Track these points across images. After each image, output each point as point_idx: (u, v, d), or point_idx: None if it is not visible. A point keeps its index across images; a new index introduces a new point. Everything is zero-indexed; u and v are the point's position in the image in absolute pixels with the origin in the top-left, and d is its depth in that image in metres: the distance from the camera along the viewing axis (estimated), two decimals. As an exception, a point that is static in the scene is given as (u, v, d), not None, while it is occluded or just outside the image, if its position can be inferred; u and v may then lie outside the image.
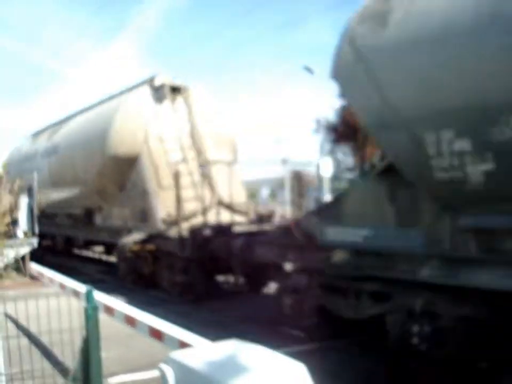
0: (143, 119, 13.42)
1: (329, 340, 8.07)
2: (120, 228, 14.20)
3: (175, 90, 13.94)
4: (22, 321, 5.79)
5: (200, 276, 11.62)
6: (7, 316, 5.41)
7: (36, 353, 6.55)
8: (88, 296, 4.13)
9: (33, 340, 6.93)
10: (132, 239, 13.03)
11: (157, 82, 13.82)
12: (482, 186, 5.34)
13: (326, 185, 22.97)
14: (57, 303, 5.09)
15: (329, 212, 7.82)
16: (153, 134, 13.38)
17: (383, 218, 6.83)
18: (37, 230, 14.34)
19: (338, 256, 7.67)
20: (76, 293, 7.13)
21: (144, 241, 12.83)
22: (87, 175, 14.91)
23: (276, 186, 44.48)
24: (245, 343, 3.39)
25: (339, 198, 8.05)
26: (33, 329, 6.09)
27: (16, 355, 5.18)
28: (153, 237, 12.75)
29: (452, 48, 5.29)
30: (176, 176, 11.90)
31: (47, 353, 6.96)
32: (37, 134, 21.43)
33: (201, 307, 11.40)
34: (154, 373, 5.81)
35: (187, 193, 12.48)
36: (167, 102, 13.77)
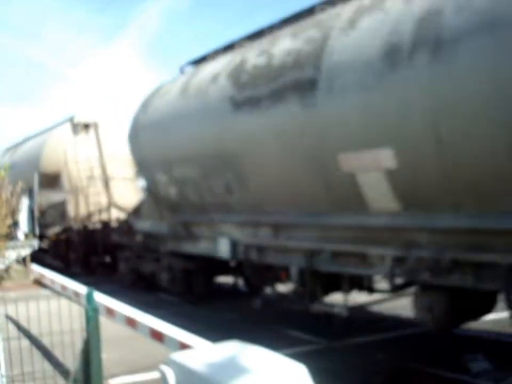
0: (63, 147, 18.44)
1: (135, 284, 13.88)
2: (49, 223, 18.55)
3: (88, 126, 18.96)
4: (23, 323, 5.79)
5: (84, 255, 17.30)
6: (8, 317, 5.42)
7: (37, 354, 6.56)
8: (89, 298, 4.14)
9: (34, 342, 6.93)
10: (52, 231, 18.28)
11: (75, 120, 18.84)
12: (176, 199, 10.99)
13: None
14: (58, 304, 5.10)
15: (137, 211, 13.70)
16: (70, 158, 18.32)
17: (155, 216, 12.34)
18: (37, 231, 14.64)
19: (139, 238, 13.43)
20: (77, 295, 7.14)
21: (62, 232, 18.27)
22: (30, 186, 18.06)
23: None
24: (245, 344, 3.39)
25: (141, 203, 13.67)
26: (34, 331, 6.10)
27: (17, 357, 5.19)
28: (66, 230, 18.14)
29: (173, 128, 10.22)
30: (85, 188, 17.68)
31: (48, 355, 6.97)
32: (8, 150, 25.36)
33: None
34: (155, 375, 5.82)
35: (92, 199, 17.91)
36: (82, 134, 18.87)
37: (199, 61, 11.16)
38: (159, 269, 12.53)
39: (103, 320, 5.84)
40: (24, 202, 14.91)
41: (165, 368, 3.27)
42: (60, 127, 19.11)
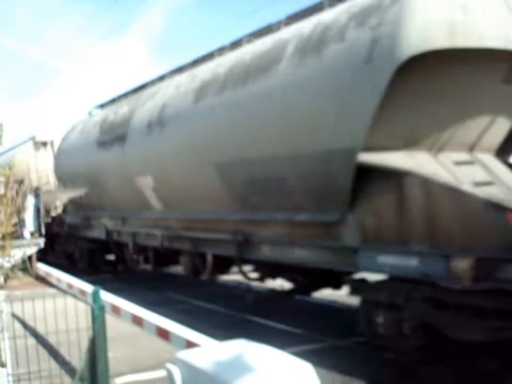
0: (26, 160, 22.00)
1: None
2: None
3: (45, 143, 22.85)
4: (29, 321, 5.79)
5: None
6: (14, 316, 5.42)
7: (43, 353, 6.55)
8: (95, 296, 4.12)
9: (40, 340, 6.93)
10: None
11: (36, 139, 22.72)
12: (80, 202, 16.41)
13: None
14: (64, 303, 5.09)
15: (65, 209, 18.25)
16: (32, 168, 22.03)
17: (73, 213, 16.76)
18: (43, 230, 14.72)
19: (66, 228, 17.58)
20: (83, 293, 7.14)
21: None
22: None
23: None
24: (252, 343, 3.37)
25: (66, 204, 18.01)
26: (40, 329, 6.10)
27: (24, 355, 5.18)
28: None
29: (75, 155, 15.58)
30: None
31: (54, 354, 6.97)
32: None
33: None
34: (161, 373, 5.80)
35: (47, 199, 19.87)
36: (41, 150, 22.77)
37: (102, 106, 16.51)
38: (75, 249, 17.50)
39: (109, 318, 5.84)
40: (30, 201, 14.99)
41: (171, 366, 3.25)
42: (23, 145, 24.00)
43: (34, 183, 21.78)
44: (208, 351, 3.45)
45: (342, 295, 9.30)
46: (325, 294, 10.29)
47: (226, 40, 10.25)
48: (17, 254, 12.73)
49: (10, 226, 3.68)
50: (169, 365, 3.28)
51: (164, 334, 4.96)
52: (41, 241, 14.15)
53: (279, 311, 10.44)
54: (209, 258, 10.03)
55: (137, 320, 5.52)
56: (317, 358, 4.33)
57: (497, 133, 7.09)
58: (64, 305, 5.10)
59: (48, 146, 23.72)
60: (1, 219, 3.59)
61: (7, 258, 3.71)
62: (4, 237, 3.60)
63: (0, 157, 25.28)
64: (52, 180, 22.38)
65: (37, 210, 15.17)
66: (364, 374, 6.78)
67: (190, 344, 4.38)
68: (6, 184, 3.66)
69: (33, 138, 23.77)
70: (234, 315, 10.35)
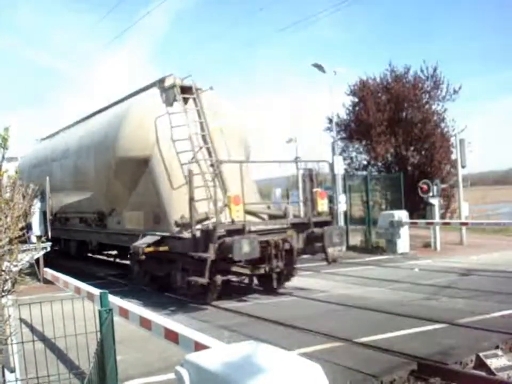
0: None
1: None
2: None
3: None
4: (37, 326, 5.78)
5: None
6: (22, 320, 5.39)
7: (52, 357, 6.53)
8: (102, 299, 4.10)
9: (49, 345, 6.91)
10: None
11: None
12: None
13: (340, 184, 22.88)
14: (71, 307, 5.06)
15: None
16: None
17: None
18: (49, 234, 14.46)
19: None
20: (91, 297, 7.11)
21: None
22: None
23: (290, 186, 44.37)
24: (260, 344, 3.34)
25: None
26: (48, 333, 6.08)
27: (32, 360, 5.16)
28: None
29: None
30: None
31: (62, 358, 6.95)
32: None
33: (218, 308, 11.42)
34: (170, 376, 5.77)
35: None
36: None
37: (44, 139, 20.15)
38: None
39: (118, 321, 5.81)
40: (37, 205, 14.90)
41: (180, 369, 3.22)
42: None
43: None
44: (217, 353, 3.42)
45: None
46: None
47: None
48: (24, 258, 12.71)
49: (18, 231, 3.66)
50: (178, 368, 3.25)
51: (172, 336, 4.93)
52: (48, 245, 14.10)
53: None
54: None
55: (146, 323, 5.49)
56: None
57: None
58: (72, 309, 5.08)
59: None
60: (8, 223, 3.55)
61: (14, 263, 3.68)
62: (11, 241, 3.57)
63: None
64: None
65: (44, 214, 15.17)
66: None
67: (198, 346, 4.35)
68: (13, 188, 3.62)
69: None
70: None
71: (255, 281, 13.72)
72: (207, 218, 12.23)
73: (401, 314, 9.93)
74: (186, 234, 12.01)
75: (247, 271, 12.60)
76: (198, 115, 13.99)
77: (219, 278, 11.67)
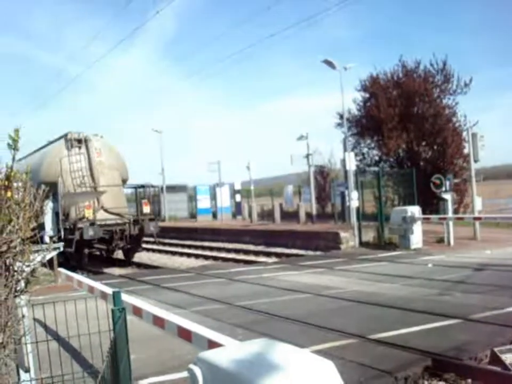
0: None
1: None
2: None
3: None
4: (52, 325, 5.81)
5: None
6: (36, 320, 5.42)
7: (66, 357, 6.57)
8: (115, 298, 4.11)
9: (63, 344, 6.95)
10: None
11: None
12: None
13: (351, 180, 22.84)
14: (85, 306, 5.09)
15: None
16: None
17: None
18: (62, 234, 14.83)
19: None
20: (104, 296, 7.13)
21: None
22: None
23: (302, 183, 44.33)
24: (274, 342, 3.33)
25: None
26: (62, 333, 6.11)
27: (46, 360, 5.19)
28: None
29: None
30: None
31: (76, 357, 6.98)
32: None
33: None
34: (184, 374, 5.78)
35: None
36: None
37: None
38: None
39: (131, 320, 5.82)
40: (49, 205, 15.08)
41: (193, 367, 3.22)
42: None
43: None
44: (230, 350, 3.41)
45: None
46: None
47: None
48: (37, 258, 12.80)
49: (29, 231, 3.68)
50: (191, 366, 3.25)
51: (185, 334, 4.93)
52: (61, 245, 14.25)
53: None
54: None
55: (159, 321, 5.50)
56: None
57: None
58: (85, 309, 5.10)
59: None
60: (20, 224, 3.58)
61: (27, 263, 3.70)
62: (23, 242, 3.59)
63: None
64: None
65: (56, 214, 15.35)
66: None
67: (211, 344, 4.35)
68: (24, 189, 3.65)
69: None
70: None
71: (120, 255, 25.19)
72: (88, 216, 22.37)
73: (415, 310, 9.90)
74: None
75: (104, 247, 24.87)
76: (87, 155, 23.67)
77: (86, 250, 22.94)
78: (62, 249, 11.12)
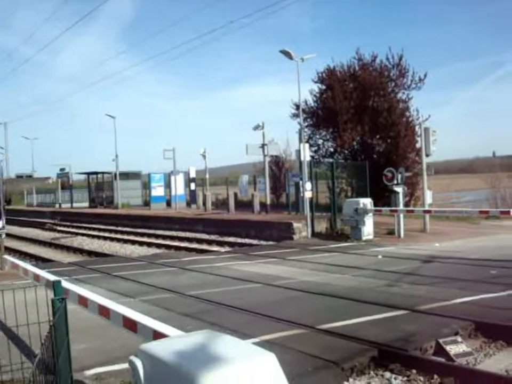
0: None
1: None
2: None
3: None
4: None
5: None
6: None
7: (13, 346, 6.40)
8: (56, 288, 4.00)
9: (8, 333, 6.79)
10: None
11: None
12: None
13: (306, 170, 22.93)
14: (26, 295, 4.96)
15: None
16: None
17: None
18: (4, 219, 14.40)
19: None
20: (49, 284, 6.98)
21: None
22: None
23: (258, 172, 44.32)
24: (217, 333, 3.30)
25: None
26: (10, 322, 5.97)
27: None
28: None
29: None
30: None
31: (24, 347, 6.82)
32: None
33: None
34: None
35: None
36: None
37: None
38: None
39: (79, 310, 5.70)
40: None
41: (134, 359, 3.16)
42: None
43: None
44: (172, 342, 3.37)
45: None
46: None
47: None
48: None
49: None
50: (132, 358, 3.19)
51: (130, 324, 4.86)
52: (4, 232, 13.90)
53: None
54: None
55: (104, 311, 5.41)
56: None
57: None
58: (24, 298, 4.97)
59: None
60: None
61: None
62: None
63: None
64: None
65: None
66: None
67: (157, 335, 4.30)
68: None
69: None
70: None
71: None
72: None
73: (364, 301, 10.01)
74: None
75: None
76: None
77: None
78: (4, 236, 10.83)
